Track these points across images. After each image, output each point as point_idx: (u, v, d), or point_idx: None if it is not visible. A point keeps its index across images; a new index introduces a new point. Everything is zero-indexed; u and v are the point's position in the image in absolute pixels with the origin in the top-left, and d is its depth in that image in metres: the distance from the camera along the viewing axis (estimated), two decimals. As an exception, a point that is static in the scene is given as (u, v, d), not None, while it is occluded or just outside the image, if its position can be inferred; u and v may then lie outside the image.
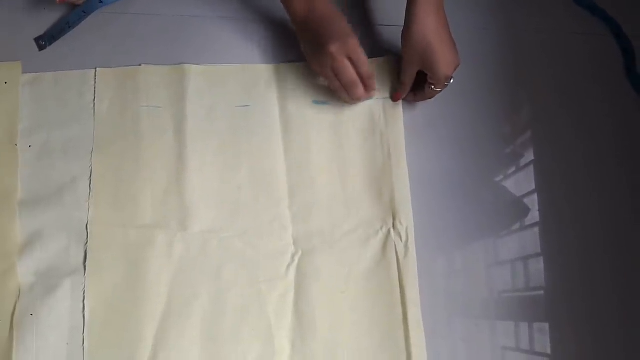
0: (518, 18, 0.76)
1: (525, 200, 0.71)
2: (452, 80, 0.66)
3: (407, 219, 0.67)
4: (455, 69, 0.64)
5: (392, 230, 0.66)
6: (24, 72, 0.68)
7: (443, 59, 0.63)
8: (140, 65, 0.69)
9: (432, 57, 0.63)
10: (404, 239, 0.66)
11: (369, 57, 0.70)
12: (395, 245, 0.66)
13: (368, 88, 0.66)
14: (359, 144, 0.69)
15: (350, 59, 0.63)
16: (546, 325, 0.68)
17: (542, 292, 0.69)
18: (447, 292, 0.68)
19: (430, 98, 0.69)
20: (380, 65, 0.71)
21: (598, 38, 0.77)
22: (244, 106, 0.69)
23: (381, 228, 0.67)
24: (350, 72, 0.64)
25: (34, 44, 0.69)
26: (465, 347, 0.67)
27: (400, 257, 0.66)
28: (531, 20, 0.77)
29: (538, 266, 0.69)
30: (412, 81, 0.68)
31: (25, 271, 0.63)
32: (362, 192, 0.68)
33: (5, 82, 0.67)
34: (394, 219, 0.67)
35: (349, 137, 0.69)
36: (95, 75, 0.68)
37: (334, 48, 0.62)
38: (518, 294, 0.69)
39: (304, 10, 0.64)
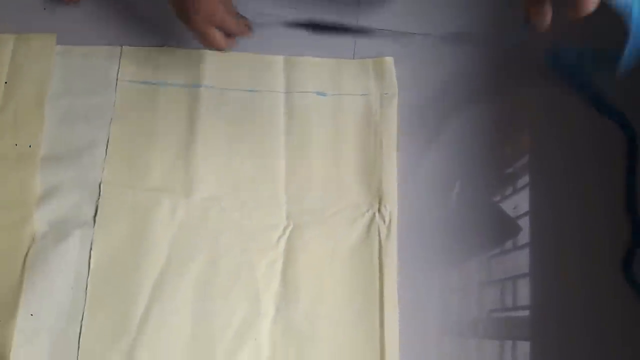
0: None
1: (519, 221, 0.73)
2: None
3: (391, 204, 0.71)
4: None
5: (377, 213, 0.71)
6: (57, 44, 0.74)
7: None
8: (163, 46, 0.75)
9: None
10: (387, 221, 0.71)
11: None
12: (378, 227, 0.71)
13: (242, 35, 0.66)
14: (354, 135, 0.74)
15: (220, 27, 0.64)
16: (527, 344, 0.69)
17: (527, 312, 0.71)
18: (438, 309, 0.70)
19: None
20: (380, 65, 0.77)
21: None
22: (252, 90, 0.75)
23: (367, 211, 0.72)
24: (217, 39, 0.64)
25: (71, 20, 0.76)
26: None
27: (383, 238, 0.70)
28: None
29: (525, 286, 0.71)
30: None
31: (40, 220, 0.68)
32: (354, 179, 0.73)
33: (41, 52, 0.74)
34: (379, 203, 0.72)
35: (346, 127, 0.74)
36: (121, 52, 0.75)
37: (197, 24, 0.62)
38: (502, 314, 0.71)
39: None
